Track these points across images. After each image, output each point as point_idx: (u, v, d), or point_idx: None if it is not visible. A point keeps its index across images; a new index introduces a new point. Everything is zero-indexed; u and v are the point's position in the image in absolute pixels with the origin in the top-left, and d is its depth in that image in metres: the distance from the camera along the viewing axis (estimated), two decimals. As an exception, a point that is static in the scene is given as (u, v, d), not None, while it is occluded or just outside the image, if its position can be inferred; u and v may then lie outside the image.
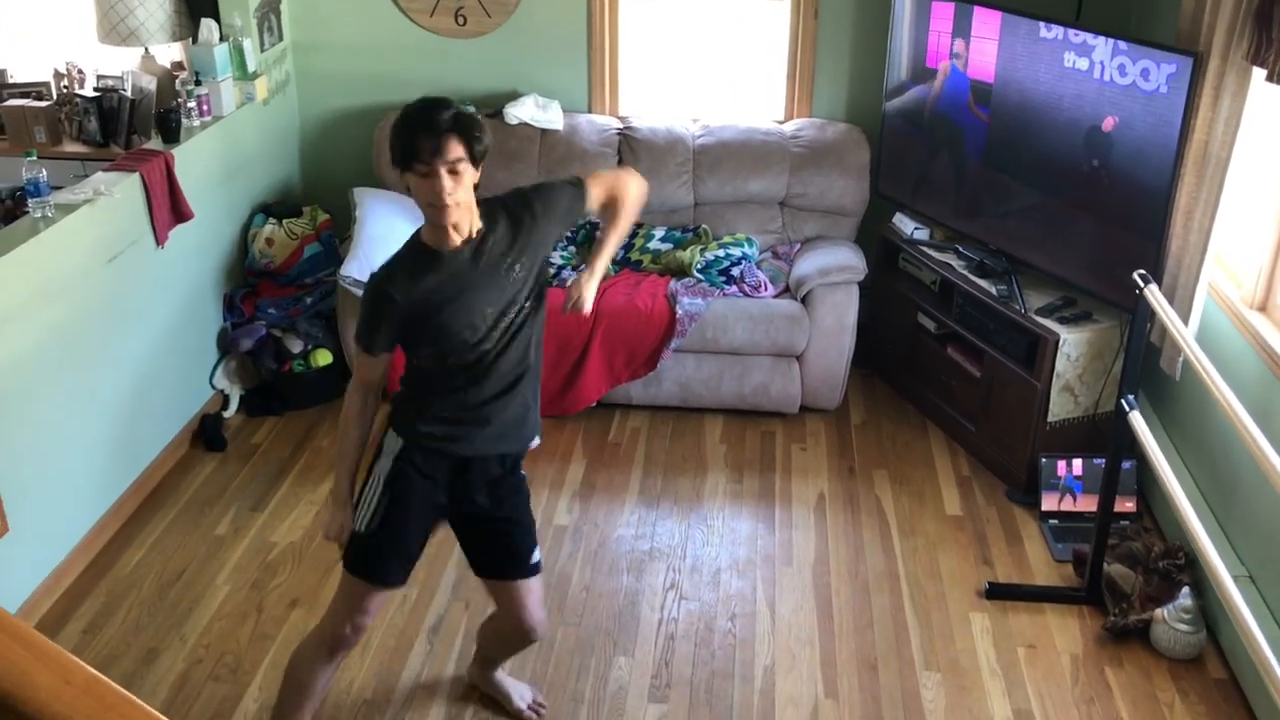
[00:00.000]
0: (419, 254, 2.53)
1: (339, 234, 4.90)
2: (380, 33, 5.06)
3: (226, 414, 4.51)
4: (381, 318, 2.52)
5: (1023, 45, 4.00)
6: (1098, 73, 3.72)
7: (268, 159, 4.94)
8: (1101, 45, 3.70)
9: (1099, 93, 3.74)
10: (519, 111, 4.91)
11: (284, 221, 4.74)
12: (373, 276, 2.56)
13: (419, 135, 2.38)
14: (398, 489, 2.64)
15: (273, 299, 4.63)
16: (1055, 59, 3.87)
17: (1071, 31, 3.81)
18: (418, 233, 2.57)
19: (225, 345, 4.57)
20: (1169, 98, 3.49)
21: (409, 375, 2.71)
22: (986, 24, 4.14)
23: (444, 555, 3.75)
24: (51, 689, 0.98)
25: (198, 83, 4.35)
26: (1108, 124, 3.73)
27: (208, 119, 4.38)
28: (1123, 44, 3.63)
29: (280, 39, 4.97)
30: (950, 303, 4.37)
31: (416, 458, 2.64)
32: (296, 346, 4.55)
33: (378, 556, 2.67)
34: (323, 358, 4.57)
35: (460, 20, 5.00)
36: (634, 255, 4.76)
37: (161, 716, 1.04)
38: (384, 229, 4.47)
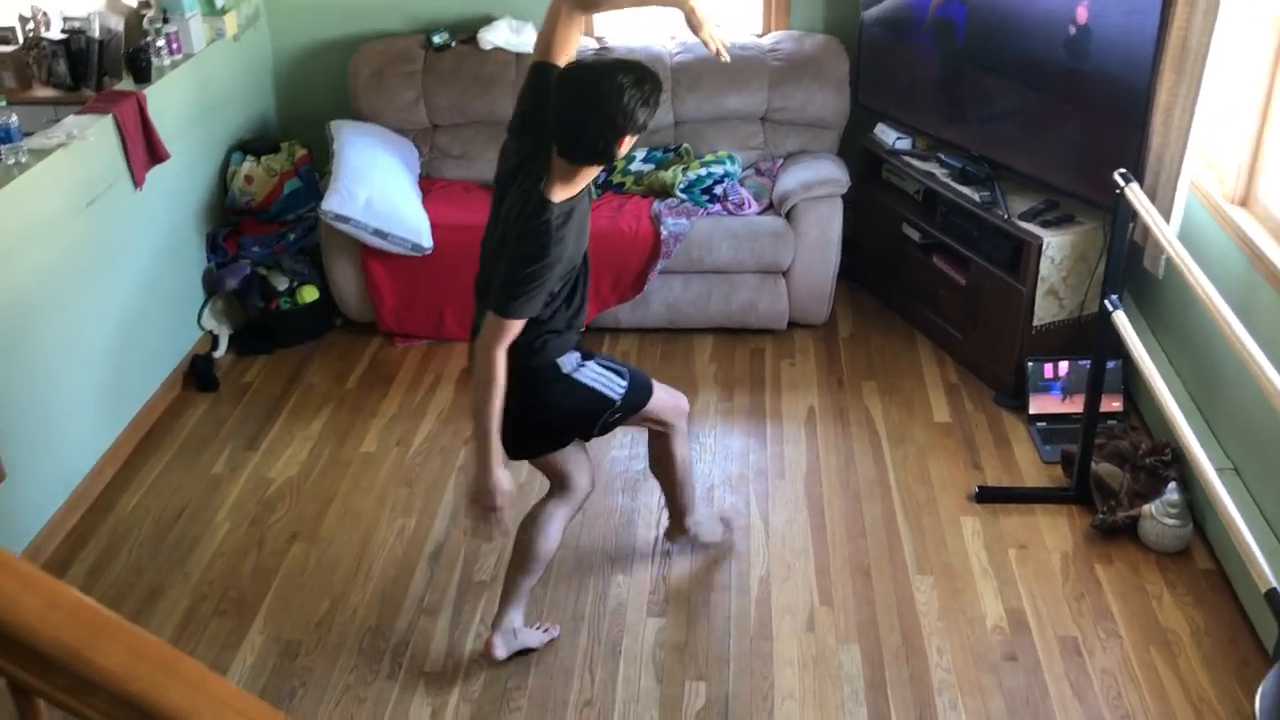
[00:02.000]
0: (569, 213, 2.58)
1: (318, 169, 4.86)
2: (348, -39, 4.97)
3: (216, 354, 4.51)
4: (546, 284, 2.59)
5: None
6: None
7: (242, 95, 4.88)
8: None
9: None
10: (493, 36, 4.84)
11: (262, 158, 4.71)
12: (548, 243, 2.53)
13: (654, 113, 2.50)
14: (593, 357, 2.94)
15: (255, 237, 4.62)
16: None
17: None
18: (551, 197, 2.54)
19: (211, 285, 4.56)
20: None
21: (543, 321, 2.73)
22: None
23: (441, 483, 3.79)
24: (39, 612, 1.00)
25: (165, 20, 4.28)
26: (1081, 15, 3.70)
27: (178, 57, 4.32)
28: None
29: (247, -28, 4.89)
30: (934, 212, 4.37)
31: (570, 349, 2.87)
32: (282, 284, 4.54)
33: (642, 380, 3.00)
34: (309, 294, 4.56)
35: (429, -55, 4.91)
36: (616, 178, 4.74)
37: (149, 634, 1.06)
38: (363, 161, 4.45)
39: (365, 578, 3.40)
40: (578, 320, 2.85)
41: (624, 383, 2.92)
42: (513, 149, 2.69)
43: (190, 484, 3.83)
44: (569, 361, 2.86)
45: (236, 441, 4.05)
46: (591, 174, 2.61)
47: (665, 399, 3.07)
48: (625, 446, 3.96)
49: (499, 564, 3.42)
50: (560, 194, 2.56)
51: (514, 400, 2.69)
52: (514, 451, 2.90)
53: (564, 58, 2.63)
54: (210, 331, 4.55)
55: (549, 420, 2.91)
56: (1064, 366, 3.98)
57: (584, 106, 2.44)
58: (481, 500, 2.73)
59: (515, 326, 2.59)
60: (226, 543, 3.56)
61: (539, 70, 2.64)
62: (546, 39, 2.63)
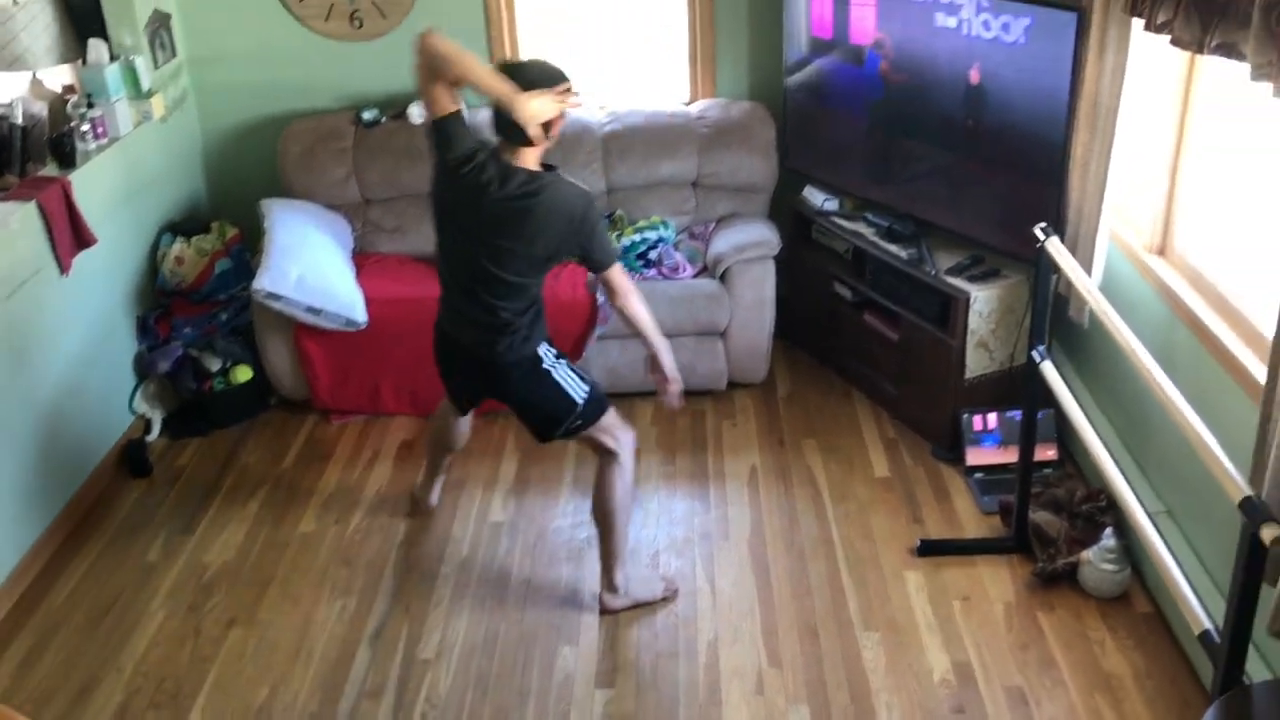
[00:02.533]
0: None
1: (250, 248, 4.84)
2: (276, 41, 4.99)
3: (149, 438, 4.44)
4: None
5: (899, 9, 4.11)
6: (965, 29, 3.86)
7: (171, 177, 4.86)
8: (967, 3, 3.82)
9: (969, 48, 3.87)
10: (423, 111, 4.87)
11: (192, 239, 4.67)
12: (588, 197, 3.13)
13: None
14: (564, 357, 3.32)
15: (187, 318, 4.57)
16: (928, 19, 3.99)
17: None
18: (531, 167, 3.09)
19: (142, 369, 4.50)
20: (1028, 48, 3.64)
21: (537, 296, 3.20)
22: None
23: (380, 561, 3.74)
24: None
25: (90, 105, 4.26)
26: (974, 76, 3.87)
27: (104, 141, 4.30)
28: (985, 1, 3.77)
29: (174, 54, 4.89)
30: (863, 270, 4.44)
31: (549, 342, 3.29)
32: (215, 364, 4.49)
33: (601, 393, 3.34)
34: (243, 374, 4.51)
35: (356, 23, 4.95)
36: (550, 246, 4.76)
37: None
38: (294, 238, 4.43)
39: (306, 661, 3.33)
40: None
41: (586, 389, 3.24)
42: (448, 177, 3.12)
43: (123, 573, 3.74)
44: (547, 353, 3.23)
45: (171, 527, 3.97)
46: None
47: (619, 421, 3.35)
48: (569, 515, 3.94)
49: (442, 642, 3.38)
50: (536, 163, 3.09)
51: (511, 399, 3.28)
52: (542, 436, 3.34)
53: (451, 108, 3.09)
54: (142, 416, 4.48)
55: (528, 411, 3.31)
56: (993, 418, 4.04)
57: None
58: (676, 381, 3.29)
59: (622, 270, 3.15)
60: (162, 631, 3.47)
61: (437, 124, 3.08)
62: (431, 107, 3.09)
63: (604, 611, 3.47)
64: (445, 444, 3.86)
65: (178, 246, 4.62)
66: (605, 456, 3.35)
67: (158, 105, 4.64)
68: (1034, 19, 3.60)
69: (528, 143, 3.03)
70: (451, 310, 3.28)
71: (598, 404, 3.28)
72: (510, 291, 3.13)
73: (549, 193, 3.05)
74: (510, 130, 3.02)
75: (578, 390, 3.24)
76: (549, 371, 3.23)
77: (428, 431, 3.99)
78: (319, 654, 3.35)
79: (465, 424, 3.81)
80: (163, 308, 4.63)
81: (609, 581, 3.47)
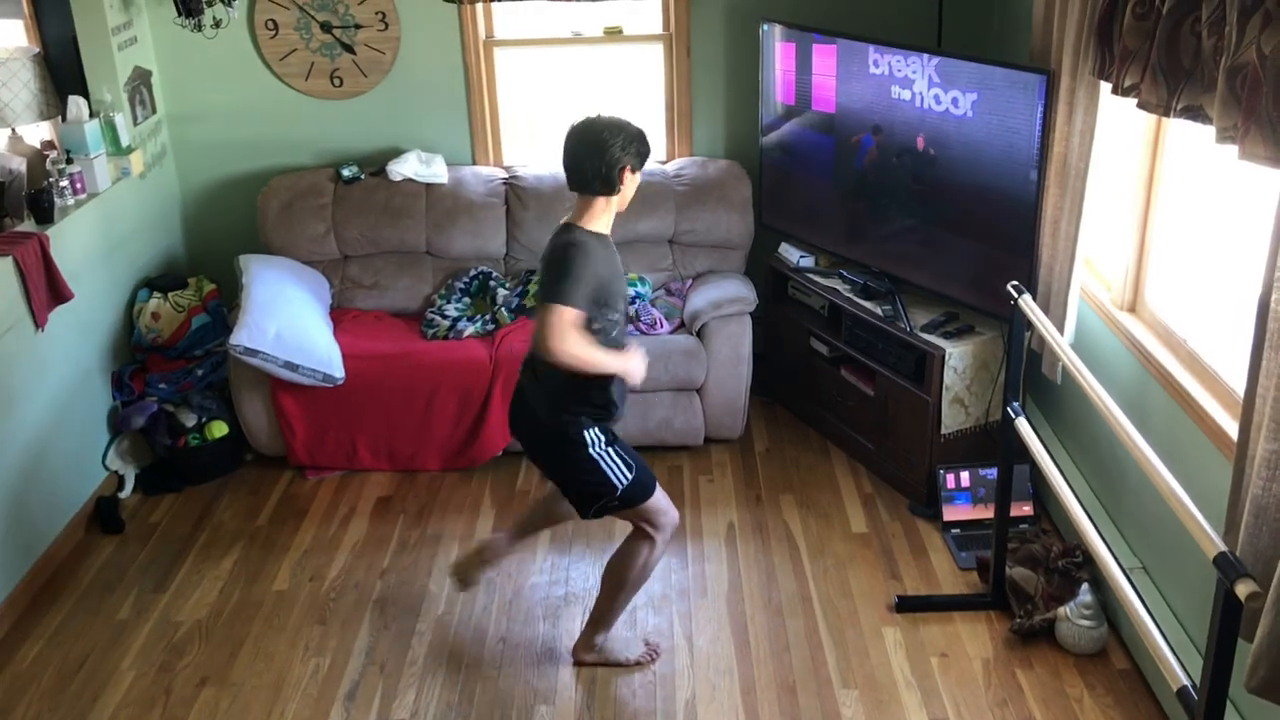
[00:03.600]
0: (601, 239, 3.09)
1: (227, 303, 4.83)
2: (256, 99, 5.03)
3: (122, 495, 4.40)
4: (584, 281, 2.99)
5: (857, 81, 4.26)
6: (919, 101, 4.02)
7: (149, 233, 4.86)
8: (919, 79, 3.97)
9: (921, 119, 4.02)
10: (402, 168, 4.91)
11: (169, 295, 4.67)
12: (587, 239, 3.05)
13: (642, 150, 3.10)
14: (616, 443, 3.24)
15: (162, 374, 4.55)
16: (884, 91, 4.13)
17: (895, 65, 4.08)
18: (586, 231, 3.07)
19: (116, 425, 4.47)
20: (996, 111, 3.77)
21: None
22: (824, 59, 4.37)
23: (356, 619, 3.70)
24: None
25: (69, 161, 4.27)
26: (920, 143, 4.03)
27: (82, 197, 4.30)
28: (935, 75, 3.92)
29: (154, 111, 4.91)
30: (839, 326, 4.47)
31: (602, 427, 3.21)
32: (190, 420, 4.46)
33: (649, 477, 3.29)
34: (218, 429, 4.49)
35: (336, 81, 4.99)
36: (529, 301, 4.78)
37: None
38: (272, 294, 4.43)
39: (279, 722, 3.28)
40: (621, 393, 3.22)
41: (629, 475, 3.19)
42: None
43: (94, 631, 3.69)
44: (594, 434, 3.16)
45: (143, 584, 3.92)
46: (604, 204, 3.08)
47: (663, 503, 3.30)
48: (545, 573, 3.92)
49: (417, 701, 3.34)
50: (583, 221, 3.08)
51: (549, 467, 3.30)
52: (585, 512, 3.27)
53: None
54: (115, 472, 4.44)
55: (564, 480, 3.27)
56: (965, 476, 4.06)
57: (583, 149, 3.03)
58: (637, 373, 3.15)
59: (566, 314, 2.94)
60: (132, 692, 3.42)
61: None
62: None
63: (575, 660, 3.49)
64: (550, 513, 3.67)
65: (154, 302, 4.61)
66: (640, 533, 3.32)
67: (137, 161, 4.65)
68: (996, 85, 3.70)
69: (601, 192, 3.07)
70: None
71: (640, 489, 3.22)
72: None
73: (565, 239, 3.09)
74: (589, 180, 3.07)
75: (620, 474, 3.18)
76: (588, 451, 3.16)
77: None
78: (292, 715, 3.30)
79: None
80: (138, 363, 4.61)
81: (587, 639, 3.46)
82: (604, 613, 3.42)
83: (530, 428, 3.26)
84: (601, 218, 3.09)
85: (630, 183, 3.09)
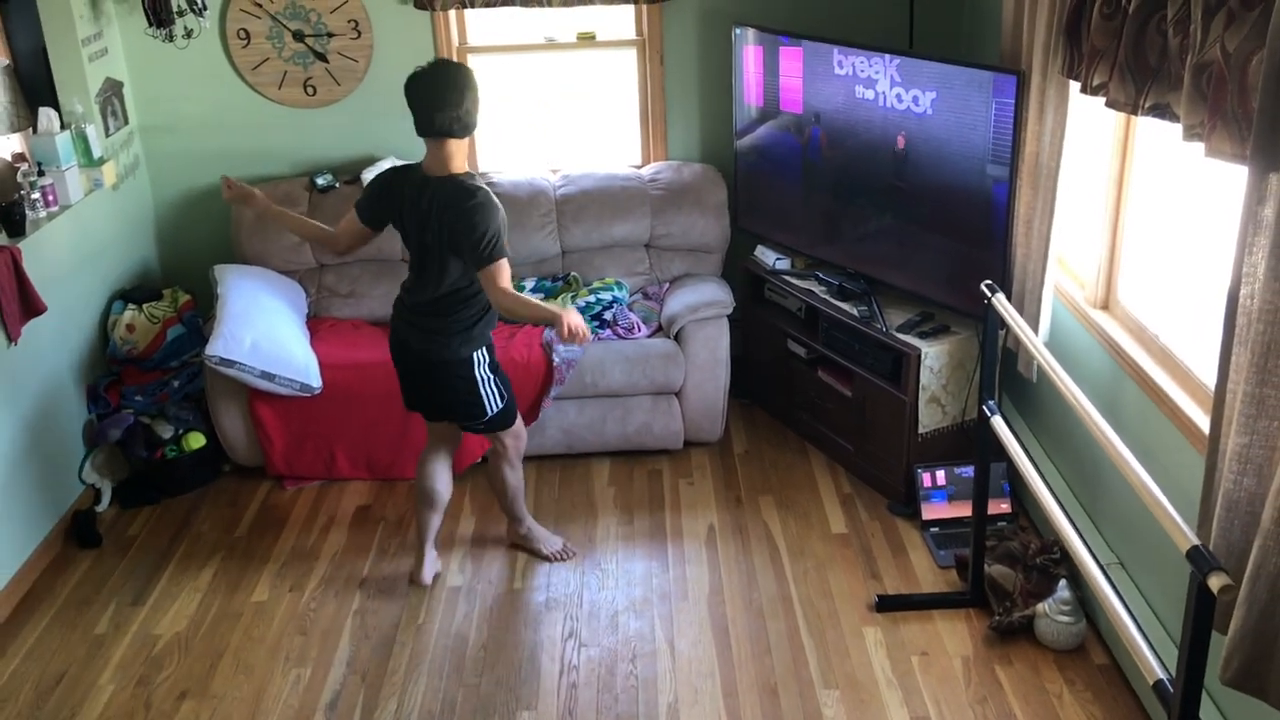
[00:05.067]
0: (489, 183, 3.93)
1: (202, 314, 4.81)
2: (229, 109, 5.01)
3: (99, 508, 4.37)
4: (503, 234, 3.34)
5: (822, 82, 4.30)
6: (882, 101, 4.07)
7: (122, 244, 4.83)
8: (882, 78, 4.02)
9: (885, 118, 4.08)
10: (377, 176, 4.89)
11: (144, 306, 4.64)
12: (487, 194, 3.30)
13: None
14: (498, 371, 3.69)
15: (138, 386, 4.52)
16: (849, 91, 4.18)
17: (859, 66, 4.13)
18: (472, 178, 3.36)
19: (92, 438, 4.44)
20: (934, 118, 3.86)
21: (474, 297, 3.49)
22: (791, 62, 4.41)
23: (336, 629, 3.69)
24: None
25: (41, 173, 4.24)
26: (900, 143, 4.05)
27: (55, 209, 4.28)
28: (897, 75, 3.97)
29: (126, 122, 4.89)
30: (816, 328, 4.49)
31: (489, 352, 3.64)
32: (167, 432, 4.44)
33: (514, 407, 3.79)
34: (195, 441, 4.47)
35: (310, 90, 4.98)
36: (505, 308, 4.77)
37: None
38: (248, 304, 4.42)
39: (260, 734, 3.27)
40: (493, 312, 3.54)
41: (501, 405, 3.64)
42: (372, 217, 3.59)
43: (71, 646, 3.66)
44: (482, 361, 3.55)
45: (121, 598, 3.90)
46: (458, 146, 3.33)
47: (520, 431, 3.83)
48: (526, 578, 3.91)
49: (399, 711, 3.33)
50: (454, 167, 3.33)
51: (421, 377, 3.60)
52: (432, 414, 3.74)
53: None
54: (92, 485, 4.41)
55: (435, 395, 3.62)
56: (941, 474, 4.08)
57: (441, 93, 3.24)
58: (576, 332, 3.34)
59: (507, 268, 3.31)
60: (111, 707, 3.39)
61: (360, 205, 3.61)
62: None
63: (511, 542, 4.10)
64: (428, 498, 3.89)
65: (129, 314, 4.59)
66: (496, 455, 3.84)
67: (109, 173, 4.63)
68: (962, 85, 3.73)
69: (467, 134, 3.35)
70: None
71: (507, 418, 3.70)
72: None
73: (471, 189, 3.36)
74: (454, 124, 3.30)
75: (493, 402, 3.62)
76: (473, 376, 3.56)
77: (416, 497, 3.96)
78: (273, 726, 3.29)
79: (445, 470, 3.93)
80: (113, 375, 4.58)
81: (513, 530, 4.08)
82: (509, 512, 4.01)
83: (417, 359, 3.57)
84: (461, 159, 3.33)
85: (476, 124, 3.35)
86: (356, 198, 4.94)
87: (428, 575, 3.91)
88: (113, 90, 4.76)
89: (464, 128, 3.26)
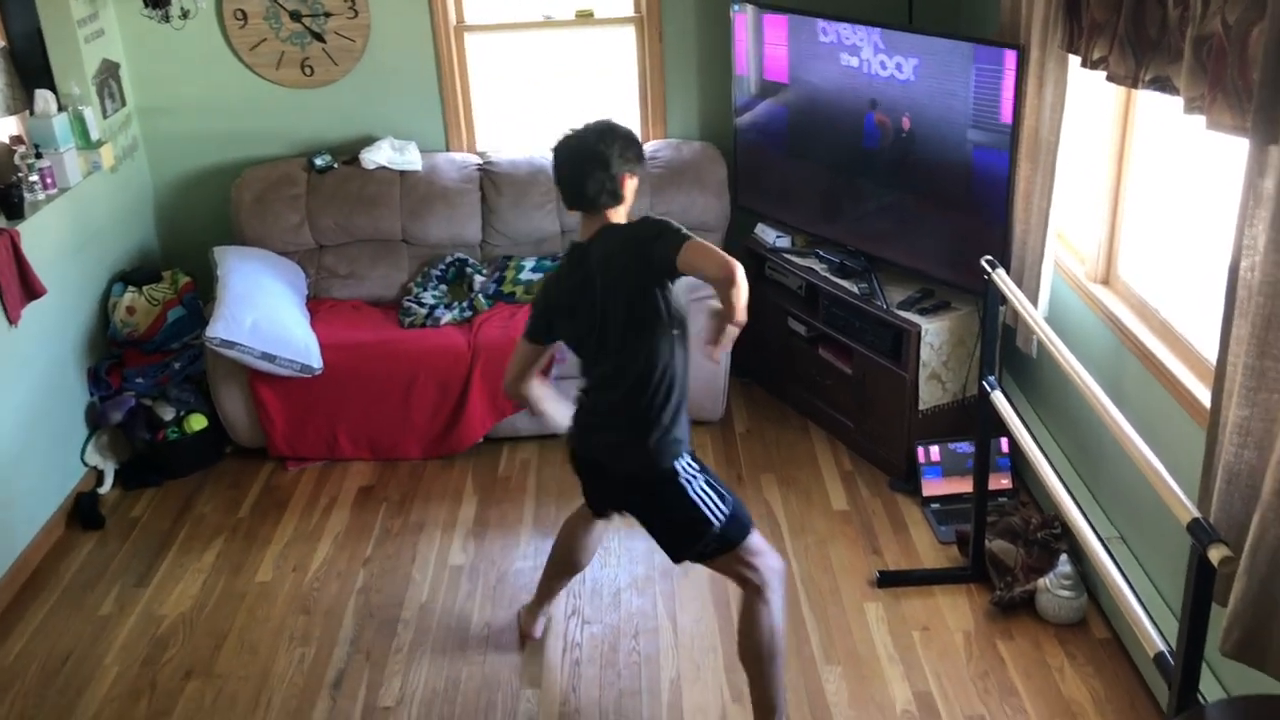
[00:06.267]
0: None
1: (203, 296, 4.81)
2: (227, 90, 5.00)
3: (102, 490, 4.38)
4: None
5: (805, 48, 4.31)
6: (867, 68, 4.08)
7: (122, 226, 4.83)
8: (866, 46, 4.02)
9: (869, 84, 4.09)
10: (376, 156, 4.89)
11: (144, 288, 4.64)
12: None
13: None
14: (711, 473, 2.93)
15: (139, 368, 4.52)
16: (834, 59, 4.21)
17: (844, 34, 4.13)
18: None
19: (94, 420, 4.44)
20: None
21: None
22: (777, 32, 4.42)
23: (340, 608, 3.70)
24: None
25: (38, 155, 4.23)
26: (905, 123, 4.03)
27: (53, 191, 4.27)
28: (880, 42, 3.97)
29: (123, 104, 4.88)
30: (817, 305, 4.49)
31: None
32: (169, 414, 4.45)
33: (745, 511, 2.94)
34: (197, 422, 4.47)
35: (307, 70, 4.96)
36: (506, 288, 4.78)
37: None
38: (248, 285, 4.41)
39: (265, 712, 3.28)
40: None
41: (726, 509, 2.84)
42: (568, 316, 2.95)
43: (76, 627, 3.68)
44: (687, 465, 2.86)
45: (125, 579, 3.91)
46: (615, 215, 2.85)
47: (763, 545, 2.91)
48: (529, 557, 3.93)
49: (403, 689, 3.35)
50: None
51: (640, 509, 2.94)
52: (676, 555, 2.97)
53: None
54: (94, 468, 4.42)
55: (660, 525, 2.94)
56: (935, 450, 4.08)
57: (581, 167, 2.77)
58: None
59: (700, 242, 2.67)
60: (117, 686, 3.41)
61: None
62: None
63: None
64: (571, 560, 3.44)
65: (129, 296, 4.59)
66: (749, 581, 2.89)
67: (107, 155, 4.62)
68: (962, 59, 3.71)
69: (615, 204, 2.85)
70: None
71: (738, 525, 2.86)
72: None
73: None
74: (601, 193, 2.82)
75: (716, 509, 2.84)
76: (681, 484, 2.85)
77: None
78: (278, 705, 3.31)
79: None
80: (114, 358, 4.59)
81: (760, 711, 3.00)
82: (761, 699, 2.96)
83: (622, 477, 2.95)
84: (621, 218, 2.89)
85: (632, 186, 2.85)
86: (355, 179, 4.86)
87: (538, 630, 3.54)
88: (109, 72, 4.75)
89: (613, 197, 2.80)
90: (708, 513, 2.82)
